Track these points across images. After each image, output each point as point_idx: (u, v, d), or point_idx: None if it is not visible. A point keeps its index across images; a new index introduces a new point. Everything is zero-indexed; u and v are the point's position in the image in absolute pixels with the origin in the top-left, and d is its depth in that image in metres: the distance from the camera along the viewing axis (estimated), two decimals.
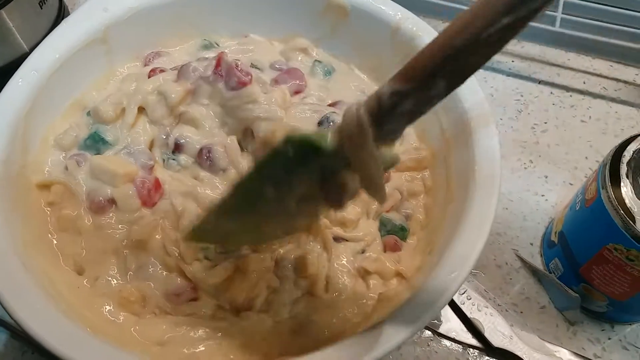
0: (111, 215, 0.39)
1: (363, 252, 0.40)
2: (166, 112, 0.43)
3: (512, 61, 0.66)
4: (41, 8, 0.60)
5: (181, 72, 0.44)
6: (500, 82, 0.64)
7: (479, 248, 0.33)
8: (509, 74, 0.65)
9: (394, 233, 0.41)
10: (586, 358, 0.44)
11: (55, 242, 0.38)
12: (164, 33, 0.49)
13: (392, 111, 0.24)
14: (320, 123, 0.41)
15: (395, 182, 0.42)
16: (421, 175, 0.43)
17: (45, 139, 0.42)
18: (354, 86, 0.48)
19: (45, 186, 0.40)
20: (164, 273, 0.37)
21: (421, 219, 0.42)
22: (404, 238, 0.41)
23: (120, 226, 0.39)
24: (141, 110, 0.43)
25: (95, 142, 0.42)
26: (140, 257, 0.37)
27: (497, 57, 0.66)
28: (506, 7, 0.21)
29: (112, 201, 0.39)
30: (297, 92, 0.46)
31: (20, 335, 0.43)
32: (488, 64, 0.68)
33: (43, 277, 0.34)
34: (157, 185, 0.40)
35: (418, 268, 0.37)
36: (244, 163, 0.40)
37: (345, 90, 0.47)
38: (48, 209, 0.39)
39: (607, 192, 0.39)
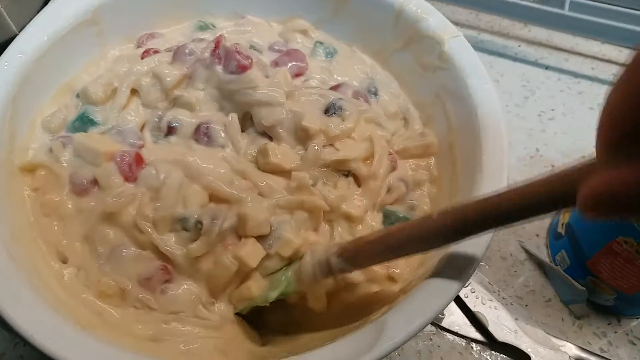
0: (93, 197, 0.36)
1: None
2: (161, 95, 0.41)
3: (519, 46, 0.64)
4: None
5: (177, 53, 0.42)
6: (506, 67, 0.62)
7: (485, 244, 0.31)
8: (515, 59, 0.63)
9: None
10: (592, 352, 0.43)
11: (40, 229, 0.36)
12: (158, 14, 0.47)
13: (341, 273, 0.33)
14: (327, 110, 0.39)
15: (400, 172, 0.40)
16: (426, 163, 0.41)
17: (33, 123, 0.40)
18: (358, 68, 0.46)
19: (30, 171, 0.38)
20: (137, 252, 0.35)
21: (426, 209, 0.40)
22: None
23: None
24: (134, 92, 0.41)
25: (84, 124, 0.40)
26: (112, 236, 0.35)
27: (503, 42, 0.65)
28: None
29: (94, 182, 0.37)
30: (298, 75, 0.44)
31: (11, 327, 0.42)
32: (494, 48, 0.67)
33: (30, 268, 0.33)
34: (139, 158, 0.37)
35: (421, 263, 0.36)
36: (244, 143, 0.39)
37: (348, 71, 0.45)
38: (34, 194, 0.37)
39: None
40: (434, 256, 0.33)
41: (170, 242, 0.35)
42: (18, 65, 0.38)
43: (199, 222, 0.34)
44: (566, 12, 0.58)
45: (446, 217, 0.28)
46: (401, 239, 0.30)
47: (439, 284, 0.30)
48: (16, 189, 0.37)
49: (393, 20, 0.45)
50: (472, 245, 0.31)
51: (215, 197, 0.35)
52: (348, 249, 0.32)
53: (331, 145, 0.38)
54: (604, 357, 0.43)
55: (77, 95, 0.42)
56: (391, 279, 0.36)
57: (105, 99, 0.41)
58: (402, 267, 0.37)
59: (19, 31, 0.57)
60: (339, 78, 0.45)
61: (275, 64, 0.44)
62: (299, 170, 0.37)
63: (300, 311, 0.36)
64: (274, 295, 0.34)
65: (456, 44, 0.41)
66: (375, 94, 0.45)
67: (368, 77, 0.45)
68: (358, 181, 0.38)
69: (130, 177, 0.36)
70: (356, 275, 0.36)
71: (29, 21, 0.58)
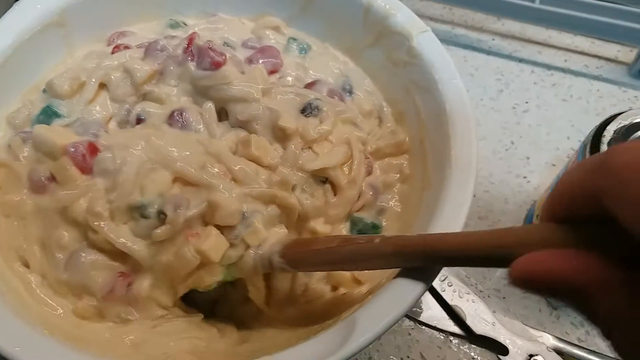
0: (50, 194, 0.35)
1: None
2: (131, 90, 0.40)
3: (493, 39, 0.65)
4: None
5: (149, 49, 0.41)
6: (480, 61, 0.63)
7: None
8: (489, 53, 0.63)
9: (366, 232, 0.39)
10: (570, 342, 0.43)
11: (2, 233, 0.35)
12: (126, 14, 0.46)
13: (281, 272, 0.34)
14: (303, 109, 0.38)
15: (371, 177, 0.40)
16: (398, 163, 0.41)
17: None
18: (332, 65, 0.46)
19: None
20: (94, 259, 0.34)
21: (398, 210, 0.40)
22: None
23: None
24: (102, 86, 0.41)
25: (48, 117, 0.39)
26: (67, 239, 0.34)
27: (477, 36, 0.65)
28: None
29: (52, 178, 0.35)
30: (273, 72, 0.43)
31: None
32: (468, 42, 0.68)
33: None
34: (93, 148, 0.35)
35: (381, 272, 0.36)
36: (219, 131, 0.38)
37: (323, 68, 0.45)
38: None
39: None
40: None
41: (127, 235, 0.33)
42: None
43: (161, 212, 0.33)
44: (537, 4, 0.59)
45: (387, 245, 0.29)
46: (345, 256, 0.30)
47: (408, 279, 0.30)
48: None
49: (362, 17, 0.44)
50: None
51: (182, 182, 0.34)
52: (291, 253, 0.32)
53: (309, 148, 0.38)
54: (582, 347, 0.43)
55: (44, 91, 0.41)
56: (357, 281, 0.36)
57: (71, 92, 0.40)
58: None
59: None
60: (314, 75, 0.44)
61: (249, 61, 0.43)
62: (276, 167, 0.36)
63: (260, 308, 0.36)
64: (216, 279, 0.34)
65: (424, 39, 0.41)
66: (350, 92, 0.44)
67: (342, 74, 0.45)
68: (334, 188, 0.38)
69: (85, 168, 0.35)
70: (318, 284, 0.36)
71: None
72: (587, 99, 0.60)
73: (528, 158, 0.55)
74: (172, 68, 0.40)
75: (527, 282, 0.21)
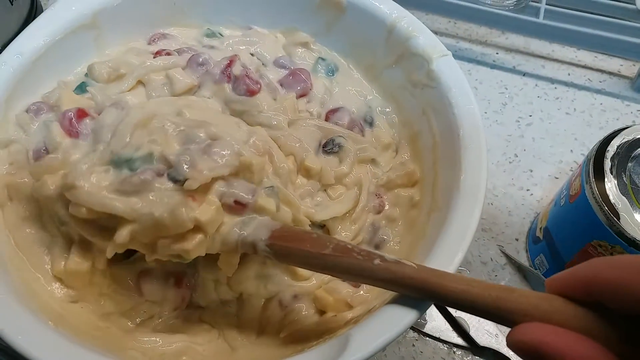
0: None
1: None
2: (167, 95, 0.42)
3: (497, 53, 0.65)
4: (12, 4, 0.58)
5: (190, 61, 0.42)
6: (484, 74, 0.63)
7: (457, 264, 0.32)
8: (493, 66, 0.64)
9: None
10: None
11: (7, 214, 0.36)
12: (160, 20, 0.47)
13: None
14: (325, 144, 0.40)
15: (375, 217, 0.40)
16: (408, 194, 0.41)
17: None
18: (356, 91, 0.46)
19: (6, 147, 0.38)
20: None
21: (396, 248, 0.40)
22: None
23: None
24: (138, 82, 0.42)
25: (82, 91, 0.41)
26: (62, 214, 0.33)
27: (481, 49, 0.66)
28: None
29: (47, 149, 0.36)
30: (302, 95, 0.44)
31: (5, 351, 0.42)
32: (472, 55, 0.68)
33: (7, 262, 0.33)
34: (81, 112, 0.36)
35: (376, 296, 0.36)
36: None
37: (347, 94, 0.46)
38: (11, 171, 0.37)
39: (591, 187, 0.38)
40: None
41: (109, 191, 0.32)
42: (16, 65, 0.39)
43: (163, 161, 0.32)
44: (541, 20, 0.59)
45: (386, 271, 0.28)
46: (338, 267, 0.29)
47: (407, 299, 0.30)
48: None
49: (385, 37, 0.45)
50: (445, 260, 0.32)
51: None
52: (280, 245, 0.31)
53: (324, 190, 0.39)
54: None
55: (86, 75, 0.43)
56: (347, 305, 0.36)
57: (107, 80, 0.41)
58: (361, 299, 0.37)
59: (1, 47, 0.58)
60: (339, 102, 0.45)
61: (281, 84, 0.44)
62: None
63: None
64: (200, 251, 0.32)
65: (444, 63, 0.41)
66: (371, 124, 0.45)
67: (365, 103, 0.46)
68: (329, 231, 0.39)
69: (71, 132, 0.35)
70: (307, 313, 0.36)
71: (10, 37, 0.58)
72: (590, 112, 0.60)
73: (531, 171, 0.55)
74: (209, 84, 0.41)
75: (524, 353, 0.23)
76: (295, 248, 0.30)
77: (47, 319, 0.30)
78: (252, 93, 0.40)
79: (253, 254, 0.32)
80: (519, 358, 0.42)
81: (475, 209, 0.33)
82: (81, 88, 0.41)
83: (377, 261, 0.28)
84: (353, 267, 0.29)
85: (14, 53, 0.40)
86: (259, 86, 0.40)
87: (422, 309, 0.30)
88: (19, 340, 0.28)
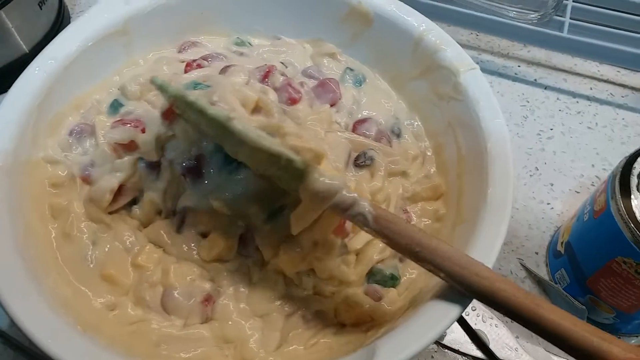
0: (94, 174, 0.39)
1: None
2: None
3: (519, 66, 0.66)
4: (41, 9, 0.59)
5: (224, 72, 0.43)
6: (506, 87, 0.63)
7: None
8: (515, 79, 0.64)
9: (382, 283, 0.38)
10: None
11: (53, 231, 0.38)
12: (189, 28, 0.48)
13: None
14: (357, 158, 0.40)
15: None
16: (433, 208, 0.41)
17: (57, 125, 0.41)
18: (384, 102, 0.46)
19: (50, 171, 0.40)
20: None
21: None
22: (394, 285, 0.38)
23: None
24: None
25: (115, 109, 0.42)
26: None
27: (503, 62, 0.66)
28: None
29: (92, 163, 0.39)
30: (331, 105, 0.44)
31: (16, 345, 0.42)
32: (494, 68, 0.68)
33: (40, 271, 0.34)
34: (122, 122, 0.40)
35: (395, 312, 0.36)
36: None
37: (375, 105, 0.46)
38: (52, 190, 0.39)
39: (617, 204, 0.38)
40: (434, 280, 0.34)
41: None
42: (49, 71, 0.40)
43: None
44: (565, 34, 0.59)
45: (487, 280, 0.29)
46: (444, 255, 0.30)
47: (436, 310, 0.30)
48: (36, 187, 0.38)
49: (412, 49, 0.45)
50: None
51: None
52: (386, 221, 0.31)
53: None
54: None
55: (118, 89, 0.44)
56: (370, 318, 0.36)
57: (139, 96, 0.43)
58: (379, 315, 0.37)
59: (29, 50, 0.59)
60: (367, 112, 0.45)
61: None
62: None
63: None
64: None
65: (471, 76, 0.41)
66: (399, 135, 0.45)
67: (393, 115, 0.46)
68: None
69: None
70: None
71: (39, 41, 0.60)
72: (612, 127, 0.60)
73: (552, 184, 0.55)
74: None
75: None
76: (403, 228, 0.31)
77: (76, 324, 0.31)
78: (293, 102, 0.40)
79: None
80: None
81: (503, 222, 0.33)
82: (114, 106, 0.42)
83: (480, 274, 0.30)
84: (457, 266, 0.30)
85: (47, 58, 0.40)
86: (300, 95, 0.40)
87: (447, 322, 0.30)
88: (49, 344, 0.28)
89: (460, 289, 0.30)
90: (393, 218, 0.31)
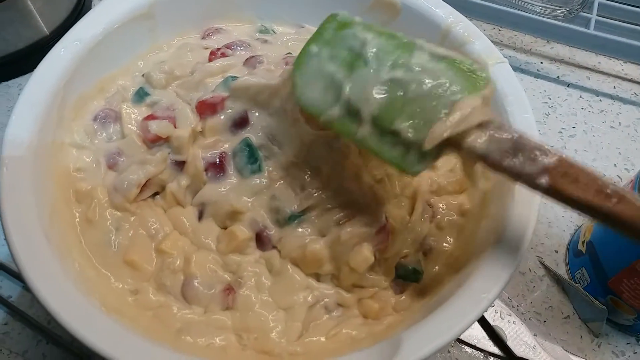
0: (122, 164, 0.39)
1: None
2: None
3: (541, 62, 0.65)
4: None
5: (248, 63, 0.43)
6: (528, 83, 0.63)
7: (514, 266, 0.31)
8: (537, 76, 0.63)
9: (405, 277, 0.38)
10: None
11: (77, 215, 0.37)
12: (214, 14, 0.48)
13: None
14: None
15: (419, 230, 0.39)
16: (457, 202, 0.40)
17: (81, 107, 0.41)
18: None
19: (75, 155, 0.40)
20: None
21: (447, 248, 0.39)
22: (417, 280, 0.38)
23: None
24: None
25: (140, 97, 0.42)
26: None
27: (525, 58, 0.65)
28: None
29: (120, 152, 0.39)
30: None
31: (35, 325, 0.43)
32: (516, 64, 0.68)
33: (65, 253, 0.34)
34: (151, 116, 0.39)
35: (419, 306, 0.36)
36: None
37: None
38: (76, 174, 0.39)
39: None
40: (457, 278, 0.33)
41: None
42: (74, 51, 0.40)
43: None
44: (591, 31, 0.59)
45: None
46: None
47: (461, 304, 0.30)
48: (61, 170, 0.38)
49: (439, 41, 0.44)
50: (498, 269, 0.32)
51: None
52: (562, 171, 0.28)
53: None
54: None
55: (143, 75, 0.44)
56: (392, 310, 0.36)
57: (165, 85, 0.42)
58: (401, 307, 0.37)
59: (50, 32, 0.59)
60: None
61: None
62: None
63: None
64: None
65: (500, 69, 0.41)
66: None
67: None
68: None
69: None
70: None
71: (60, 23, 0.60)
72: (635, 127, 0.59)
73: None
74: None
75: None
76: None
77: (100, 305, 0.31)
78: None
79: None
80: None
81: (531, 217, 0.33)
82: (139, 94, 0.42)
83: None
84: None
85: (73, 39, 0.40)
86: None
87: (473, 317, 0.30)
88: (75, 325, 0.28)
89: None
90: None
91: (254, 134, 0.39)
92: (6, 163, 0.33)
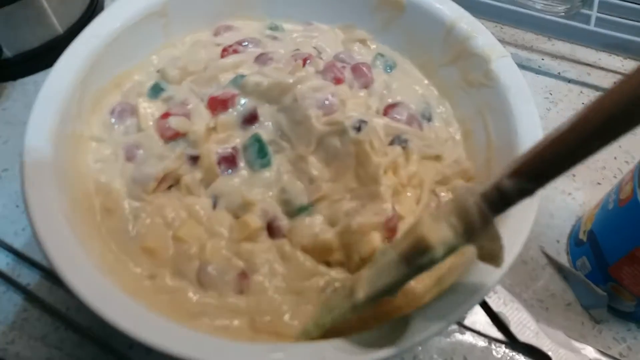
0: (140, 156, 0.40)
1: None
2: None
3: (542, 59, 0.66)
4: None
5: (259, 60, 0.44)
6: (529, 79, 0.64)
7: (517, 251, 0.33)
8: (539, 72, 0.65)
9: None
10: (612, 356, 0.44)
11: (96, 204, 0.39)
12: (226, 12, 0.49)
13: (515, 203, 0.26)
14: (391, 142, 0.40)
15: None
16: None
17: (98, 102, 0.43)
18: (415, 87, 0.47)
19: (95, 147, 0.41)
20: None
21: None
22: None
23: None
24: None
25: (156, 92, 0.43)
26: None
27: (527, 55, 0.66)
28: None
29: (138, 146, 0.40)
30: (364, 88, 0.45)
31: (53, 311, 0.44)
32: (518, 60, 0.69)
33: (86, 237, 0.35)
34: (166, 115, 0.40)
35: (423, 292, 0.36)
36: None
37: (406, 90, 0.46)
38: (95, 165, 0.40)
39: None
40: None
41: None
42: (92, 47, 0.41)
43: None
44: (592, 27, 0.60)
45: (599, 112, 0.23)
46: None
47: (466, 287, 0.31)
48: (80, 161, 0.40)
49: (443, 36, 0.45)
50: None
51: None
52: (525, 163, 0.25)
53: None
54: None
55: (158, 71, 0.45)
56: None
57: (179, 80, 0.44)
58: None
59: (64, 31, 0.60)
60: (397, 97, 0.45)
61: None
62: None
63: None
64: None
65: (503, 63, 0.42)
66: (429, 119, 0.45)
67: (424, 100, 0.46)
68: None
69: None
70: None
71: (74, 22, 0.61)
72: None
73: (574, 175, 0.56)
74: None
75: None
76: (545, 148, 0.25)
77: (122, 289, 0.32)
78: (338, 81, 0.41)
79: None
80: (558, 355, 0.43)
81: (532, 206, 0.34)
82: (155, 89, 0.43)
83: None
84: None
85: (91, 35, 0.42)
86: (344, 75, 0.41)
87: (477, 298, 0.31)
88: (102, 308, 0.30)
89: None
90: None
91: (263, 130, 0.40)
92: (29, 153, 0.35)
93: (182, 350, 0.29)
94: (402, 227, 0.38)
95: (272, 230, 0.39)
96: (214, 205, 0.40)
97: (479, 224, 0.27)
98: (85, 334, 0.43)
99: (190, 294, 0.37)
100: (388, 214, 0.37)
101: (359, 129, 0.38)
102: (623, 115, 0.22)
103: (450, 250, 0.27)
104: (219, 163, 0.40)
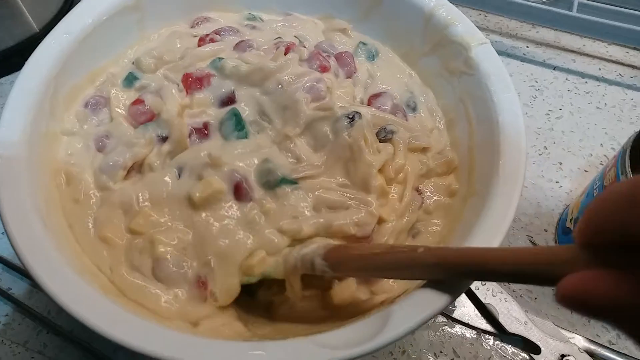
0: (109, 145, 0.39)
1: None
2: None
3: (527, 47, 0.66)
4: None
5: (239, 46, 0.43)
6: (514, 67, 0.63)
7: (499, 241, 0.32)
8: (524, 60, 0.64)
9: None
10: (601, 345, 0.44)
11: (66, 197, 0.38)
12: (201, 6, 0.49)
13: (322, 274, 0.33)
14: (377, 133, 0.39)
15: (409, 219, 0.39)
16: (445, 184, 0.41)
17: (73, 98, 0.42)
18: (399, 76, 0.46)
19: (67, 142, 0.40)
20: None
21: (429, 239, 0.39)
22: None
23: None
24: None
25: (130, 82, 0.43)
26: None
27: (511, 43, 0.66)
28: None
29: (108, 136, 0.40)
30: (347, 77, 0.44)
31: (35, 315, 0.43)
32: (502, 48, 0.68)
33: (61, 235, 0.34)
34: (138, 101, 0.40)
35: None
36: None
37: (390, 79, 0.46)
38: (68, 159, 0.39)
39: (627, 178, 0.38)
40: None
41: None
42: (64, 44, 0.40)
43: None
44: (574, 13, 0.59)
45: (430, 257, 0.29)
46: (386, 263, 0.31)
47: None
48: (53, 157, 0.39)
49: (423, 25, 0.45)
50: (485, 243, 0.32)
51: None
52: (333, 256, 0.32)
53: None
54: (613, 349, 0.44)
55: (133, 63, 0.45)
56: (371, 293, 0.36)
57: (154, 70, 0.43)
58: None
59: (40, 29, 0.59)
60: (381, 86, 0.45)
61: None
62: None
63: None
64: (260, 272, 0.35)
65: (483, 51, 0.41)
66: (414, 109, 0.45)
67: (408, 89, 0.46)
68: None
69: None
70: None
71: (50, 20, 0.60)
72: (620, 107, 0.60)
73: (561, 163, 0.56)
74: None
75: (575, 306, 0.20)
76: (349, 255, 0.32)
77: (98, 288, 0.32)
78: (324, 69, 0.40)
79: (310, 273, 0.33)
80: (547, 345, 0.43)
81: (515, 192, 0.34)
82: (129, 79, 0.43)
83: (420, 250, 0.29)
84: (402, 260, 0.30)
85: (62, 32, 0.41)
86: (329, 63, 0.40)
87: (459, 290, 0.30)
88: (73, 308, 0.29)
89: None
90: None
91: (241, 110, 0.39)
92: (1, 153, 0.34)
93: (164, 351, 0.28)
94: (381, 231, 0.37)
95: (239, 192, 0.36)
96: (179, 176, 0.37)
97: (289, 270, 0.34)
98: (66, 337, 0.42)
99: (153, 291, 0.35)
100: (367, 231, 0.36)
101: (352, 119, 0.37)
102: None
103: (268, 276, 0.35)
104: (190, 135, 0.38)
